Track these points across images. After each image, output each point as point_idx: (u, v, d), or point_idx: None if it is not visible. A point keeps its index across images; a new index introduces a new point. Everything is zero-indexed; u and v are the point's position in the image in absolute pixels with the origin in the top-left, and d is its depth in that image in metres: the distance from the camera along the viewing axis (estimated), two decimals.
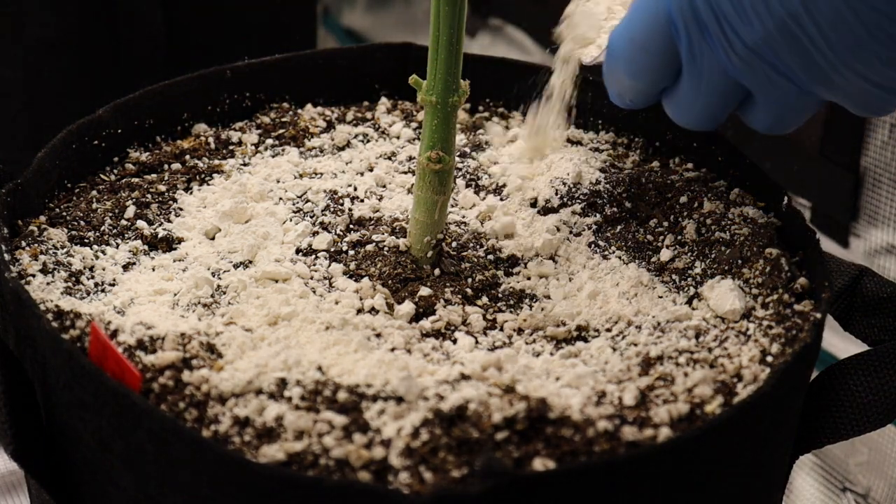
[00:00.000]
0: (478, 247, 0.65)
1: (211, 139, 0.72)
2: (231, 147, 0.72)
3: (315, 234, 0.65)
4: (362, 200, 0.68)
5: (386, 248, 0.64)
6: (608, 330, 0.60)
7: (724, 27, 0.54)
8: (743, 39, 0.54)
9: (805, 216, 0.65)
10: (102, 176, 0.69)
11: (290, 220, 0.66)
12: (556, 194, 0.68)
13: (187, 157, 0.71)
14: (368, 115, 0.77)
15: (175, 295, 0.60)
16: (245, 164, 0.71)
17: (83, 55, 1.04)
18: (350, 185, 0.69)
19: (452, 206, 0.68)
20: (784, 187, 0.66)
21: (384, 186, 0.70)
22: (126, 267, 0.62)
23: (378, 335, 0.58)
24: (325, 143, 0.73)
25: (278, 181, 0.69)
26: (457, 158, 0.71)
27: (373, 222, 0.66)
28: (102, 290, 0.60)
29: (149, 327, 0.56)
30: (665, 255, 0.64)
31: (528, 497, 0.47)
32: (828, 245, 0.92)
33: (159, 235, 0.65)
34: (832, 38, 0.52)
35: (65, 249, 0.62)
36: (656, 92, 0.60)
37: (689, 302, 0.61)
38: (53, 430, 0.56)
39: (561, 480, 0.48)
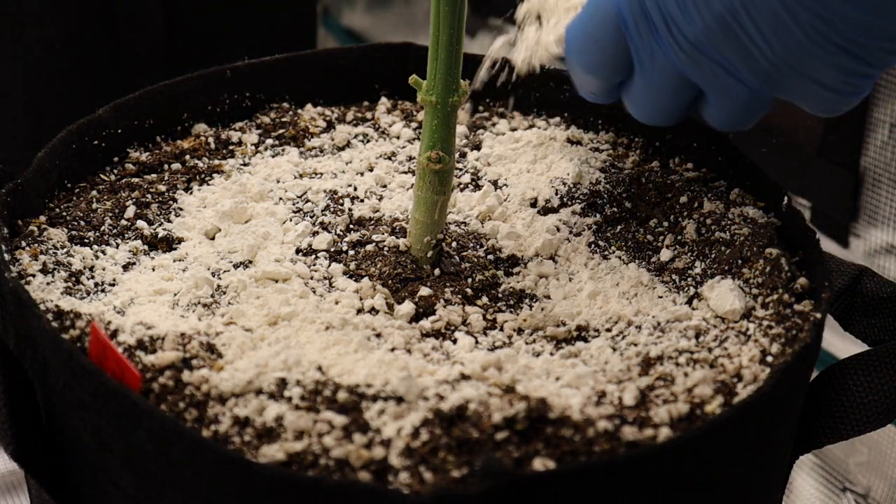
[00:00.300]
0: (478, 247, 0.65)
1: (211, 139, 0.72)
2: (231, 147, 0.72)
3: (315, 234, 0.65)
4: (362, 200, 0.68)
5: (386, 248, 0.64)
6: (608, 330, 0.60)
7: (668, 22, 0.55)
8: (686, 35, 0.55)
9: (805, 216, 0.65)
10: (102, 176, 0.69)
11: (290, 220, 0.66)
12: (556, 194, 0.68)
13: (187, 157, 0.71)
14: (368, 115, 0.77)
15: (175, 295, 0.60)
16: (245, 164, 0.71)
17: (83, 55, 1.04)
18: (350, 185, 0.70)
19: (452, 205, 0.68)
20: (784, 187, 0.66)
21: (384, 186, 0.70)
22: (126, 267, 0.62)
23: (378, 335, 0.58)
24: (325, 143, 0.74)
25: (278, 181, 0.69)
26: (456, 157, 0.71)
27: (373, 222, 0.66)
28: (102, 290, 0.60)
29: (149, 327, 0.56)
30: (665, 255, 0.64)
31: (528, 497, 0.47)
32: (828, 245, 0.92)
33: (159, 235, 0.65)
34: (771, 38, 0.53)
35: (65, 249, 0.62)
36: (612, 85, 0.61)
37: (689, 302, 0.61)
38: (53, 431, 0.55)
39: (561, 480, 0.47)
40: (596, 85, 0.61)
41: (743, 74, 0.55)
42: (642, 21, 0.56)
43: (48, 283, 0.59)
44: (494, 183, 0.70)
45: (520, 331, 0.60)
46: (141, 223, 0.65)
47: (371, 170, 0.71)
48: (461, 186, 0.70)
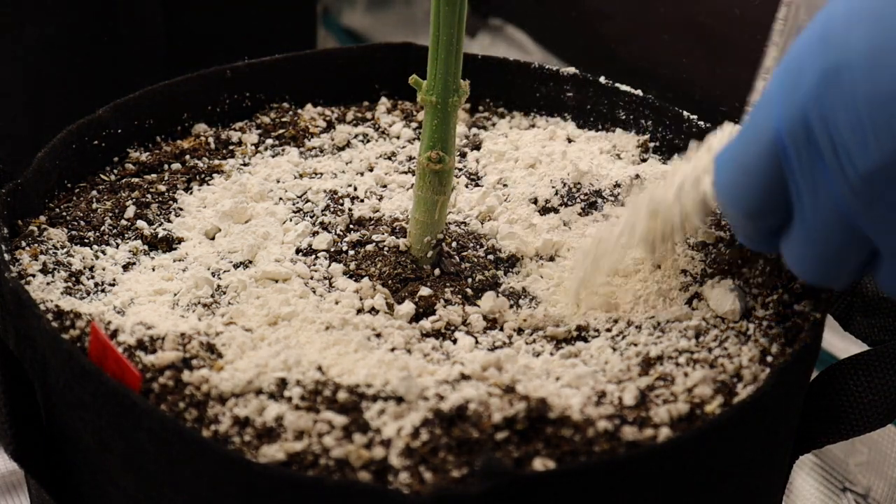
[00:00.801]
0: (478, 247, 0.65)
1: (211, 139, 0.72)
2: (231, 147, 0.72)
3: (315, 234, 0.65)
4: (362, 200, 0.68)
5: (386, 248, 0.64)
6: (608, 330, 0.60)
7: (838, 151, 0.46)
8: (857, 167, 0.45)
9: None
10: (102, 176, 0.69)
11: (290, 220, 0.66)
12: (556, 194, 0.68)
13: (187, 157, 0.71)
14: (368, 115, 0.77)
15: (175, 295, 0.60)
16: (245, 164, 0.71)
17: (83, 55, 1.04)
18: (350, 185, 0.70)
19: (452, 205, 0.68)
20: None
21: (384, 186, 0.70)
22: (126, 267, 0.62)
23: (378, 335, 0.58)
24: (325, 143, 0.74)
25: (278, 181, 0.69)
26: (456, 158, 0.71)
27: (373, 222, 0.66)
28: (102, 290, 0.60)
29: (149, 327, 0.56)
30: None
31: (528, 497, 0.47)
32: None
33: (159, 235, 0.65)
34: None
35: (65, 249, 0.62)
36: (766, 228, 0.51)
37: (689, 302, 0.61)
38: (53, 431, 0.56)
39: (561, 480, 0.48)
40: (746, 226, 0.52)
41: None
42: (806, 149, 0.46)
43: (48, 283, 0.59)
44: (494, 183, 0.70)
45: (520, 331, 0.60)
46: (141, 223, 0.65)
47: (371, 170, 0.71)
48: (461, 186, 0.70)
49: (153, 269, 0.62)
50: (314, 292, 0.61)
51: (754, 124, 0.49)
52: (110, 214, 0.65)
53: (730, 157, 0.51)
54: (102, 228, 0.64)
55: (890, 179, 0.45)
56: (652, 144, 0.73)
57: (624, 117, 0.74)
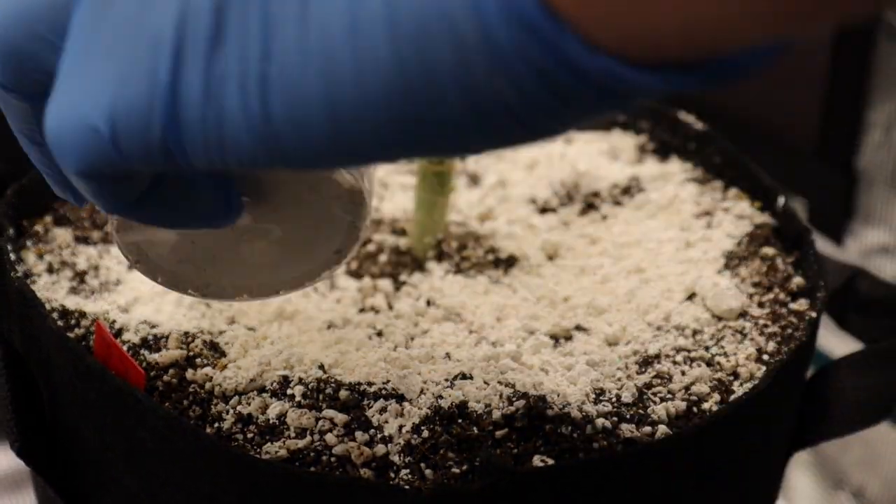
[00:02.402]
0: (478, 247, 0.65)
1: None
2: None
3: None
4: None
5: (387, 248, 0.64)
6: (607, 328, 0.61)
7: None
8: None
9: (801, 216, 0.65)
10: None
11: None
12: (555, 195, 0.69)
13: None
14: None
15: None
16: None
17: None
18: None
19: (452, 206, 0.68)
20: (780, 187, 0.66)
21: (384, 186, 0.70)
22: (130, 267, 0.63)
23: (379, 333, 0.59)
24: None
25: None
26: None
27: (373, 222, 0.67)
28: (107, 290, 0.61)
29: (153, 326, 0.57)
30: None
31: (527, 493, 0.47)
32: (822, 245, 0.93)
33: None
34: None
35: (70, 249, 0.62)
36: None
37: (687, 300, 0.62)
38: (58, 428, 0.56)
39: (560, 477, 0.48)
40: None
41: None
42: None
43: (53, 283, 0.59)
44: (494, 183, 0.71)
45: (519, 329, 0.61)
46: None
47: None
48: (461, 187, 0.70)
49: None
50: (316, 291, 0.61)
51: None
52: None
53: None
54: (107, 228, 0.64)
55: None
56: (650, 146, 0.74)
57: (622, 119, 0.75)
